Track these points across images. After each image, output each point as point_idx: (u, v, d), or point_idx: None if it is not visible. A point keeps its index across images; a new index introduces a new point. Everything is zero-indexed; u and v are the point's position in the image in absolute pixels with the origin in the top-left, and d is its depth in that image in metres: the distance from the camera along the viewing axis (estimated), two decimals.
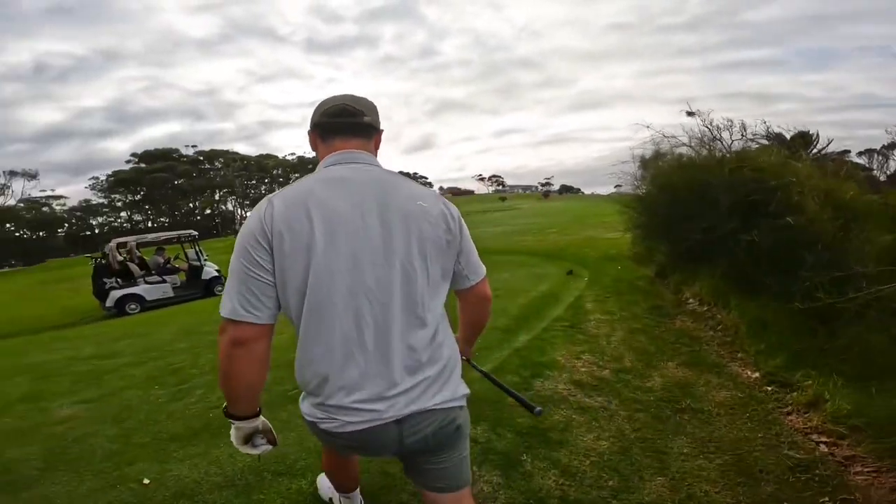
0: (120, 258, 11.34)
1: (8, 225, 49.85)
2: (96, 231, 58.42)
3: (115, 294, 10.71)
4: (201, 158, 59.71)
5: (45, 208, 55.64)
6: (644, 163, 7.92)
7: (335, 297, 1.08)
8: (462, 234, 1.25)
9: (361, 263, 1.09)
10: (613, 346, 4.30)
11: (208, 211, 60.64)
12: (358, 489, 1.76)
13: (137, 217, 60.36)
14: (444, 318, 1.25)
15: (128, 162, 58.32)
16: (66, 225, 58.41)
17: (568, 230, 18.17)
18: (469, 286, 1.32)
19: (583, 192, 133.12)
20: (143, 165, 56.84)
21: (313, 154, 1.35)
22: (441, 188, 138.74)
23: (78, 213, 58.41)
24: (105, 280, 10.86)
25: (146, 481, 2.29)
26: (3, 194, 51.46)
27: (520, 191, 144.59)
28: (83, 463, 2.58)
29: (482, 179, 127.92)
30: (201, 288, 12.10)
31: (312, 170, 1.32)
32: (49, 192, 56.42)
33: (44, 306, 15.11)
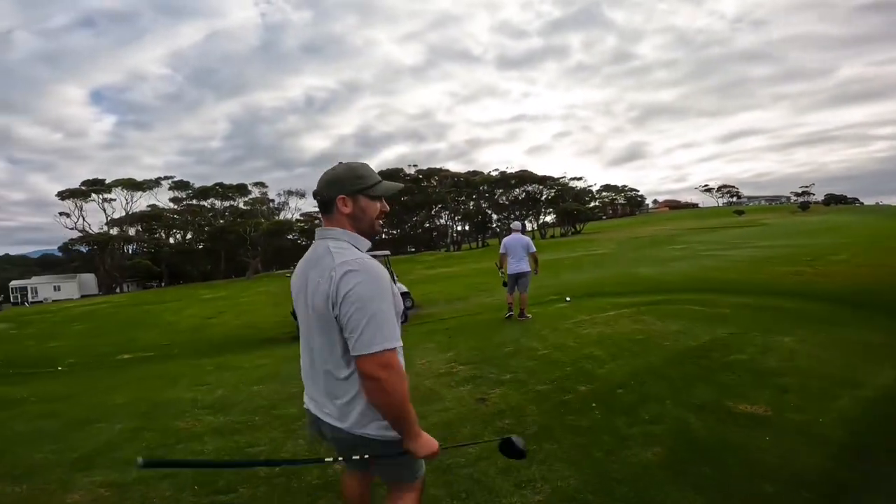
0: None
1: (289, 236, 64.21)
2: None
3: None
4: (420, 177, 66.42)
5: (315, 221, 70.10)
6: None
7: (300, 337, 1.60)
8: (342, 310, 1.33)
9: (301, 319, 1.54)
10: None
11: (427, 224, 66.96)
12: None
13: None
14: (346, 364, 1.42)
15: None
16: None
17: (871, 257, 12.15)
18: (352, 355, 1.37)
19: (861, 203, 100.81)
20: None
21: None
22: (655, 201, 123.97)
23: None
24: None
25: None
26: (284, 210, 66.88)
27: (762, 202, 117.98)
28: None
29: (708, 190, 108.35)
30: None
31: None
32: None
33: (276, 313, 17.17)
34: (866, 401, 3.23)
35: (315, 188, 1.50)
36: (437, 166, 66.33)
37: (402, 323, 1.48)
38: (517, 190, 60.60)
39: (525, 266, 7.08)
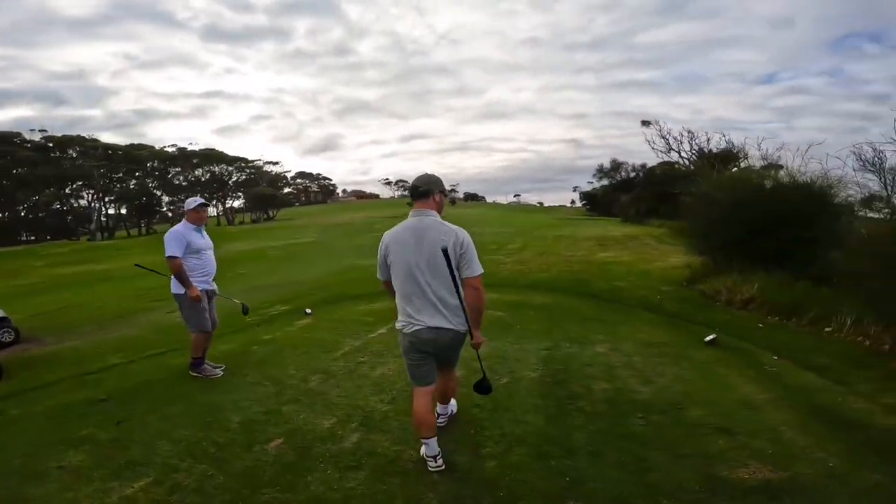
0: None
1: None
2: None
3: None
4: (50, 145, 47.37)
5: None
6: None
7: (397, 274, 2.48)
8: (461, 251, 2.38)
9: (407, 262, 2.43)
10: None
11: (60, 206, 48.24)
12: (435, 438, 2.52)
13: None
14: (455, 291, 2.41)
15: None
16: None
17: (541, 246, 15.01)
18: (463, 277, 2.40)
19: (485, 200, 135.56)
20: None
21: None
22: (344, 191, 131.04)
23: None
24: None
25: None
26: None
27: None
28: None
29: (388, 184, 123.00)
30: None
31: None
32: None
33: None
34: (797, 426, 2.76)
35: (417, 184, 2.55)
36: (85, 135, 48.66)
37: None
38: (201, 170, 51.23)
39: (174, 284, 4.04)
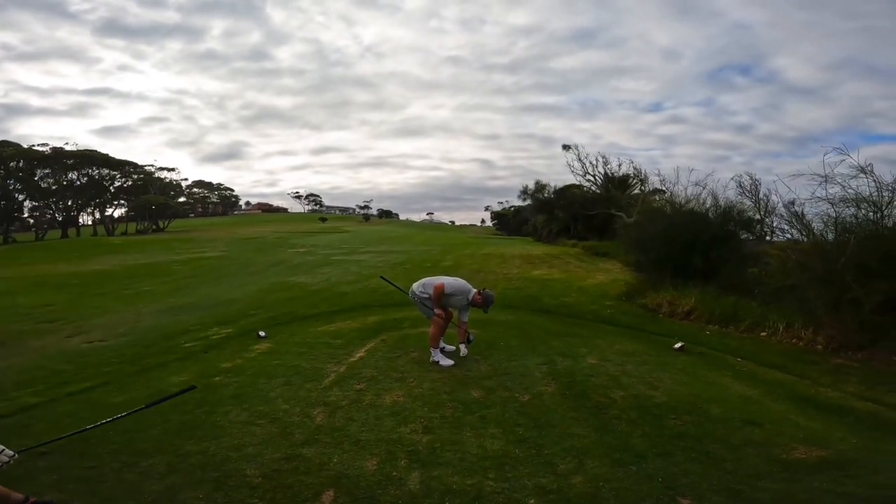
0: None
1: None
2: None
3: None
4: None
5: None
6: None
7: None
8: (437, 282, 5.08)
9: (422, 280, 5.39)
10: None
11: None
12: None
13: None
14: (428, 289, 5.00)
15: None
16: None
17: (467, 264, 15.32)
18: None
19: (398, 217, 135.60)
20: None
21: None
22: (247, 203, 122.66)
23: None
24: None
25: None
26: None
27: (337, 212, 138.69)
28: None
29: (298, 197, 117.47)
30: None
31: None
32: None
33: None
34: (800, 414, 3.11)
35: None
36: None
37: None
38: (76, 173, 44.50)
39: None
